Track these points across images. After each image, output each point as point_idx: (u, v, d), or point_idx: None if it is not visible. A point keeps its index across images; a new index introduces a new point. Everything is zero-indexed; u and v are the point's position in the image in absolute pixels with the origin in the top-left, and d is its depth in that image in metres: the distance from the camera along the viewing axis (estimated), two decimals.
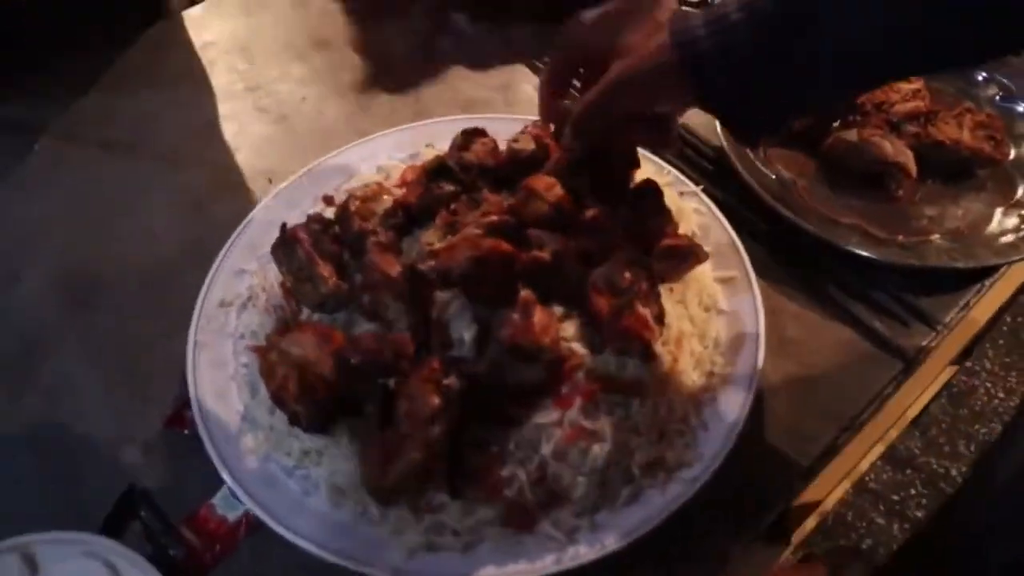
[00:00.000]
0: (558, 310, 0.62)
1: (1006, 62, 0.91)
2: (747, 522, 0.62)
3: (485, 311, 0.60)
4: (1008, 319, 1.78)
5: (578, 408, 0.58)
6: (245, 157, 0.91)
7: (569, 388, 0.59)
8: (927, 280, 0.75)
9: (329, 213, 0.73)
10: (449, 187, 0.69)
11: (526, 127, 0.75)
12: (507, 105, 0.95)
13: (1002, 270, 0.77)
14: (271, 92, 0.99)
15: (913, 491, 1.55)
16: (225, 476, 0.60)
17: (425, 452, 0.53)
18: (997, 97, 0.90)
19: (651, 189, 0.68)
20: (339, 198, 0.77)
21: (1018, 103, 0.88)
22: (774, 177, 0.83)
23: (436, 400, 0.54)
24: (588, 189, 0.66)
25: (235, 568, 0.60)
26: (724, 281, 0.70)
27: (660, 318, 0.60)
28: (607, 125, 0.58)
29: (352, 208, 0.67)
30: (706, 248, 0.67)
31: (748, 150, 0.84)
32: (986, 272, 0.76)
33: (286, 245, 0.65)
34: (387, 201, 0.68)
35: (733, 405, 0.62)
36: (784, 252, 0.77)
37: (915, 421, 1.53)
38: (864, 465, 1.40)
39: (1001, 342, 1.77)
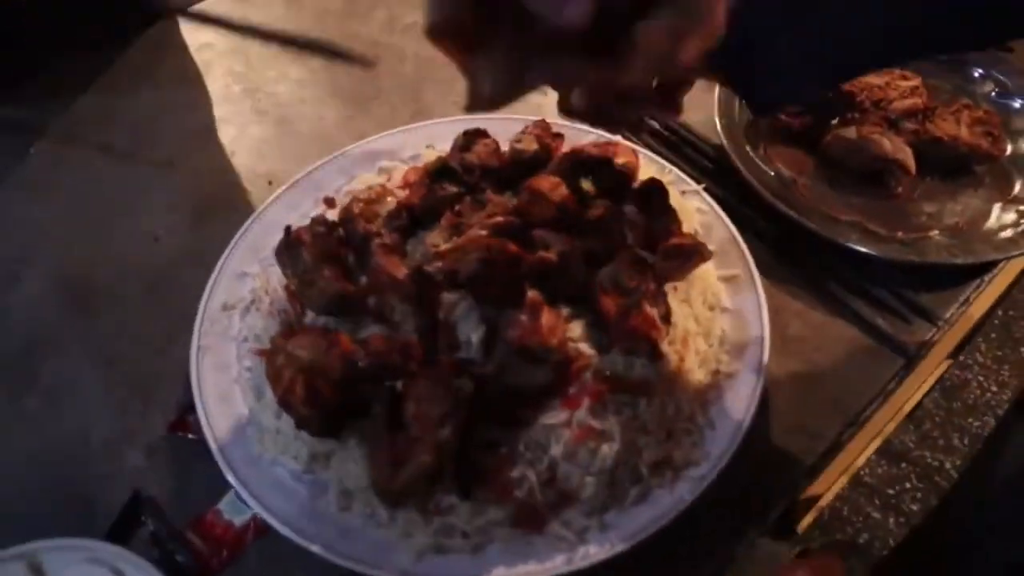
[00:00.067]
0: (565, 311, 0.62)
1: (1002, 59, 0.91)
2: (753, 519, 0.62)
3: (492, 312, 0.60)
4: (1000, 313, 1.79)
5: (586, 408, 0.58)
6: (244, 159, 0.91)
7: (577, 388, 0.59)
8: (927, 276, 0.76)
9: (330, 215, 0.73)
10: (452, 188, 0.68)
11: (527, 127, 0.75)
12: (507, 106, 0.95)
13: (1000, 265, 0.78)
14: (270, 94, 0.98)
15: (908, 485, 1.56)
16: (232, 480, 0.60)
17: (435, 455, 0.53)
18: (993, 93, 0.90)
19: (656, 188, 0.68)
20: (340, 200, 0.77)
21: (1014, 99, 0.89)
22: (774, 175, 0.83)
23: (446, 402, 0.54)
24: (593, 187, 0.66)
25: (243, 573, 0.60)
26: (727, 279, 0.71)
27: (667, 318, 0.60)
28: None
29: (356, 210, 0.67)
30: (709, 247, 0.67)
31: (748, 149, 0.84)
32: (985, 268, 0.77)
33: (290, 248, 0.65)
34: (391, 203, 0.68)
35: (739, 403, 0.62)
36: (785, 250, 0.77)
37: (909, 415, 1.54)
38: (860, 460, 1.40)
39: (993, 336, 1.79)
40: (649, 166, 0.77)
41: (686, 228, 0.71)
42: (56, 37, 0.94)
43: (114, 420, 0.69)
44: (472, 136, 0.74)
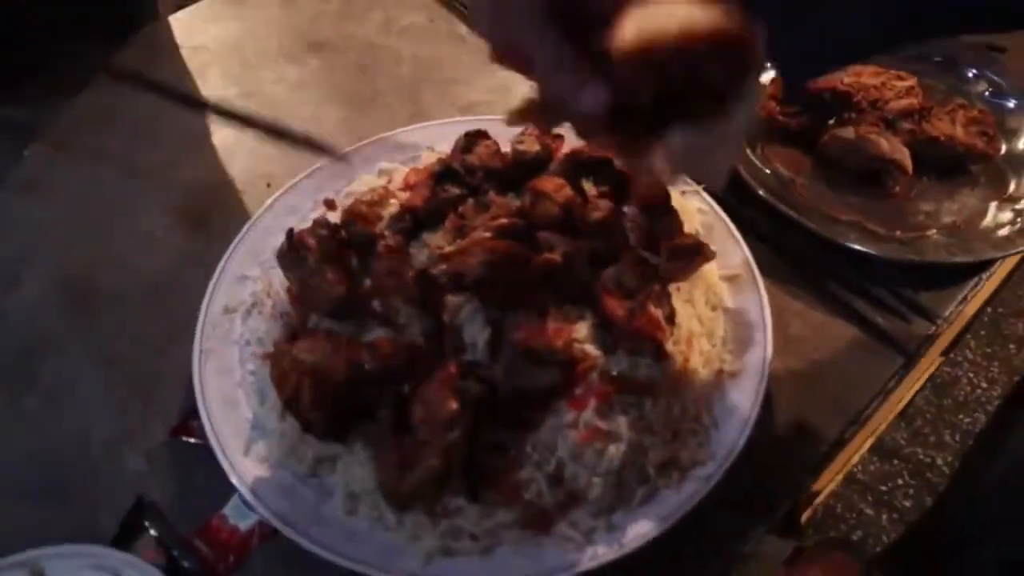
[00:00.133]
0: (570, 312, 0.62)
1: (995, 59, 0.92)
2: (759, 518, 0.62)
3: (497, 314, 0.60)
4: (989, 310, 1.81)
5: (593, 409, 0.58)
6: (242, 160, 0.90)
7: (583, 389, 0.59)
8: (926, 275, 0.76)
9: (331, 217, 0.72)
10: (456, 190, 0.68)
11: (527, 129, 0.75)
12: (506, 107, 0.95)
13: (996, 264, 0.79)
14: (267, 95, 0.98)
15: (900, 481, 1.57)
16: (237, 485, 0.59)
17: (444, 458, 0.53)
18: (987, 93, 0.91)
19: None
20: (340, 202, 0.77)
21: (1008, 99, 0.90)
22: (772, 175, 0.84)
23: (454, 405, 0.53)
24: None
25: None
26: (729, 279, 0.71)
27: (671, 318, 0.61)
28: None
29: (359, 212, 0.67)
30: (711, 246, 0.67)
31: (746, 149, 0.84)
32: (982, 266, 0.78)
33: (293, 251, 0.64)
34: (393, 205, 0.67)
35: (743, 403, 0.63)
36: (785, 250, 0.78)
37: (901, 412, 1.55)
38: (855, 458, 1.41)
39: (983, 333, 1.80)
40: None
41: (688, 228, 0.71)
42: (55, 37, 0.93)
43: (114, 420, 0.68)
44: (473, 138, 0.74)
